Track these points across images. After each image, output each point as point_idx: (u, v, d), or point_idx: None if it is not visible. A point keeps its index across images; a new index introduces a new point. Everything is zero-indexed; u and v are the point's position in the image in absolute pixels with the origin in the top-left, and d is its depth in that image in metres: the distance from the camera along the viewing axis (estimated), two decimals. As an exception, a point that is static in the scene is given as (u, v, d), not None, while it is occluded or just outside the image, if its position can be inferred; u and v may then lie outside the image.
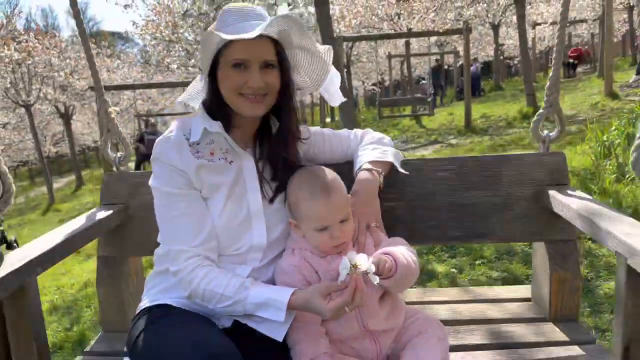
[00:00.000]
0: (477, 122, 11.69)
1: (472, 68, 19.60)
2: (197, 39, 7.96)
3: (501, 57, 24.84)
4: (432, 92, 17.80)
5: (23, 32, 11.52)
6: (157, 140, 1.18)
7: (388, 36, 12.35)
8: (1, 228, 6.91)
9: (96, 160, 37.74)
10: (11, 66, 10.90)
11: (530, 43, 21.12)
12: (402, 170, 1.33)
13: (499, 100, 16.01)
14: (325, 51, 1.22)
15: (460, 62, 17.59)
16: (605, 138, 5.07)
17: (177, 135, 1.16)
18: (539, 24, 17.85)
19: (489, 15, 17.64)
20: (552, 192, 1.36)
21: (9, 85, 11.52)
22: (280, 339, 1.06)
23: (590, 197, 1.33)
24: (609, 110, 9.55)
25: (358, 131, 1.41)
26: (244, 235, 1.16)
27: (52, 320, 3.69)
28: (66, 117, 16.15)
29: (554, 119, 1.61)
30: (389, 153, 1.32)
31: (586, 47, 23.03)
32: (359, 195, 1.21)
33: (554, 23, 19.11)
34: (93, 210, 1.55)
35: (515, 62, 25.58)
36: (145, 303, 1.20)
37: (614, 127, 5.73)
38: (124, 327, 1.50)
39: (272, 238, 1.18)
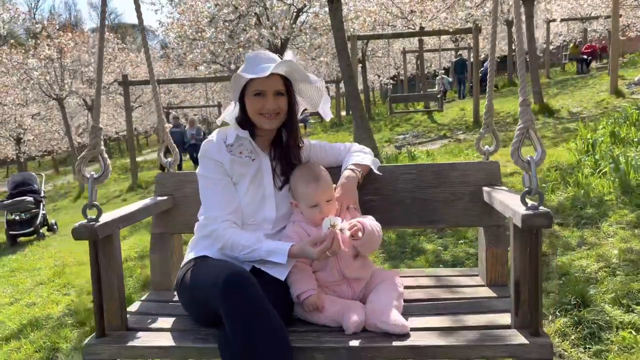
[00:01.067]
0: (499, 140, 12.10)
1: (485, 64, 19.93)
2: (222, 40, 8.57)
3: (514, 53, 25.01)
4: (443, 89, 18.19)
5: (57, 28, 12.22)
6: (203, 142, 1.78)
7: (400, 35, 12.81)
8: (43, 212, 7.62)
9: (117, 151, 38.85)
10: (45, 62, 11.64)
11: (543, 40, 21.33)
12: (377, 172, 1.90)
13: (510, 96, 16.34)
14: (319, 82, 1.79)
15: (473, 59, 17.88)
16: (589, 136, 5.56)
17: (218, 139, 1.75)
18: (554, 20, 18.03)
19: (502, 12, 17.96)
20: (486, 189, 1.85)
21: (42, 80, 12.27)
22: (283, 278, 1.60)
23: (507, 189, 1.85)
24: (611, 108, 9.92)
25: (348, 144, 1.99)
26: (260, 211, 1.73)
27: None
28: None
29: (492, 138, 2.08)
30: (367, 159, 1.88)
31: (603, 42, 23.06)
32: (342, 186, 1.77)
33: (564, 20, 19.31)
34: (148, 198, 2.11)
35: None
36: (189, 257, 1.77)
37: (601, 126, 6.21)
38: (169, 286, 2.07)
39: (279, 214, 1.75)
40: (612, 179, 4.16)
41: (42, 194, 7.76)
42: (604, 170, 4.40)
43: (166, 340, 1.58)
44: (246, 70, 1.66)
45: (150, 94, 23.67)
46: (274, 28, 9.09)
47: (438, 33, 12.20)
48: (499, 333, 1.44)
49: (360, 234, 1.58)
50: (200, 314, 1.62)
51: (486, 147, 2.05)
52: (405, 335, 1.42)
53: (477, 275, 1.98)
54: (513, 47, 20.25)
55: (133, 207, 1.85)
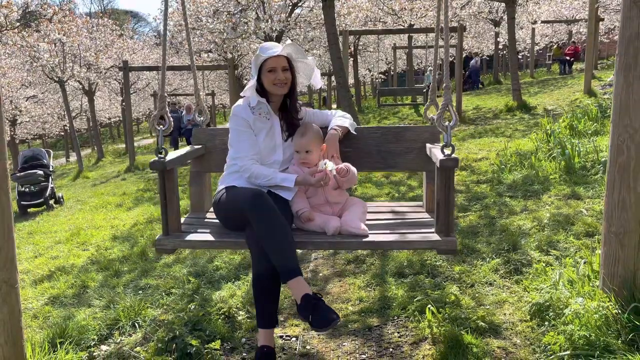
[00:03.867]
0: (469, 113, 12.84)
1: (472, 62, 20.66)
2: (220, 30, 9.17)
3: (504, 52, 25.88)
4: (429, 84, 18.87)
5: (58, 12, 12.69)
6: (234, 105, 2.45)
7: (390, 31, 13.49)
8: (52, 185, 8.21)
9: (109, 137, 39.23)
10: (52, 45, 12.16)
11: (529, 40, 22.11)
12: (353, 132, 2.59)
13: (493, 93, 17.12)
14: (312, 60, 2.48)
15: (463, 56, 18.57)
16: (548, 128, 6.29)
17: (245, 103, 2.44)
18: (535, 23, 18.78)
19: (490, 12, 18.71)
20: (428, 145, 2.54)
21: (45, 63, 12.76)
22: (290, 198, 2.32)
23: (439, 146, 2.51)
24: (582, 106, 10.70)
25: (334, 111, 2.69)
26: (272, 155, 2.44)
27: (116, 244, 4.99)
28: (90, 94, 17.41)
29: (435, 109, 2.75)
30: (347, 122, 2.58)
31: (585, 44, 23.91)
32: (327, 140, 2.46)
33: (547, 22, 20.07)
34: (188, 147, 2.78)
35: (519, 56, 26.56)
36: (221, 187, 2.46)
37: (562, 120, 6.95)
38: (203, 208, 2.77)
39: (285, 158, 2.46)
40: (559, 161, 4.87)
41: (51, 169, 8.34)
42: (554, 155, 5.12)
43: (209, 237, 2.30)
44: (260, 56, 2.35)
45: (146, 81, 24.16)
46: (269, 21, 9.70)
47: (426, 31, 12.88)
48: (425, 235, 2.14)
49: (345, 174, 2.29)
50: (231, 221, 2.32)
51: (431, 115, 2.72)
52: (365, 236, 2.13)
53: (420, 207, 2.69)
54: (499, 47, 21.06)
55: (180, 152, 2.53)
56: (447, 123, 2.10)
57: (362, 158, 2.60)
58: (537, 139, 6.10)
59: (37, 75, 15.63)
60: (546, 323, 2.36)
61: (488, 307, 2.68)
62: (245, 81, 17.17)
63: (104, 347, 2.85)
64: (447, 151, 2.04)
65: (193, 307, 2.99)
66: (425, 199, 2.59)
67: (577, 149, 4.92)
